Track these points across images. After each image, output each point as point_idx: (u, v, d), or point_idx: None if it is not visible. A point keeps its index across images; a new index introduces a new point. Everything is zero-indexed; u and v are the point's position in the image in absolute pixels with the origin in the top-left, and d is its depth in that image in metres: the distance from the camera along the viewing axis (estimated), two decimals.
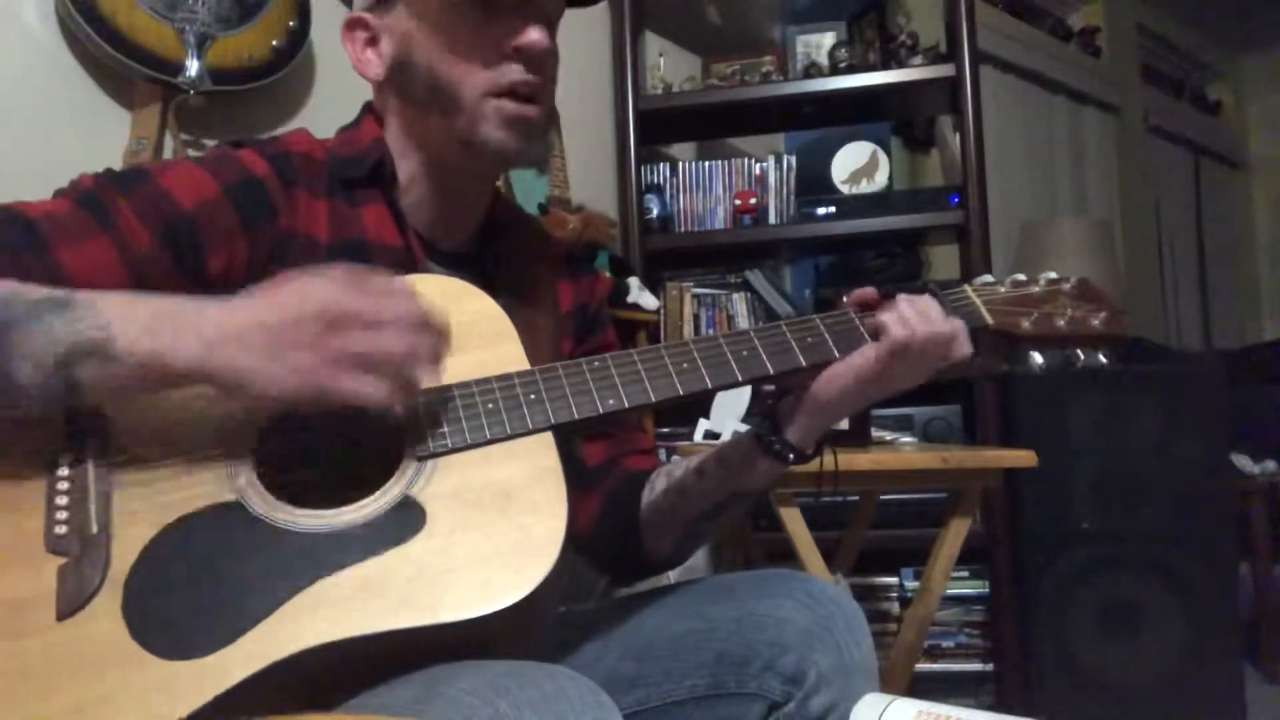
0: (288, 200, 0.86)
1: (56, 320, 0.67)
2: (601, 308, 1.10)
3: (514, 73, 0.89)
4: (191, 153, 1.84)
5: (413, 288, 0.73)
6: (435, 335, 0.73)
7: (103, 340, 0.67)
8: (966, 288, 0.95)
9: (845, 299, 0.90)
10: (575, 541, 1.00)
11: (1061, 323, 0.93)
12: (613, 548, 1.02)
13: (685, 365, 0.84)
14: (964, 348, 0.88)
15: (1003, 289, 0.95)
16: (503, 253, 0.99)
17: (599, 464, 1.03)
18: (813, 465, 0.94)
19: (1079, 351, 0.94)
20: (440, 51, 0.89)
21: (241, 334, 0.69)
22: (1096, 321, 0.93)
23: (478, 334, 0.83)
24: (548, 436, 0.79)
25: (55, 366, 0.66)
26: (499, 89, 0.88)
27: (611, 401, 0.81)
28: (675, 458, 1.10)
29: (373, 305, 0.70)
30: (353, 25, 0.93)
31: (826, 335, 0.88)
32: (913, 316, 0.86)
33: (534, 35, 0.88)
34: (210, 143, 1.88)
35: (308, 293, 0.70)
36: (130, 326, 0.68)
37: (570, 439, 0.95)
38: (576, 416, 0.80)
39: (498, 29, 0.88)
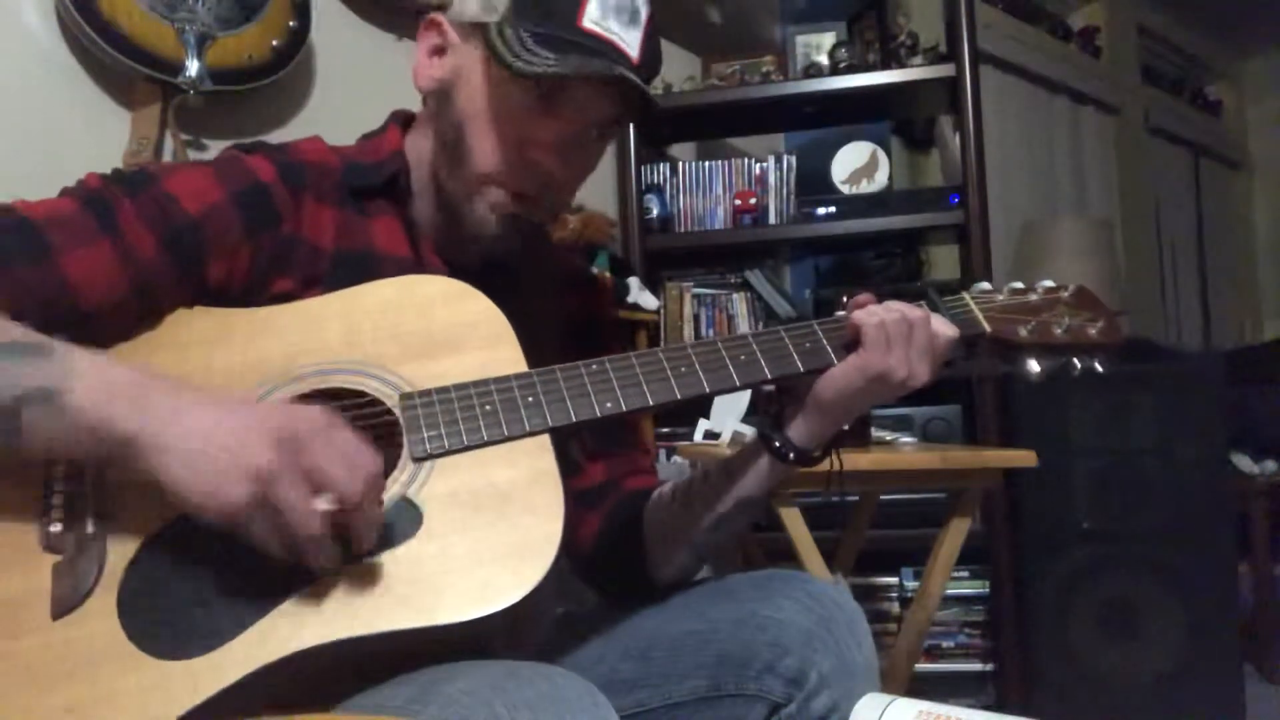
0: (294, 207, 0.86)
1: (23, 364, 0.66)
2: (608, 321, 1.10)
3: (520, 180, 0.88)
4: (192, 153, 1.84)
5: (371, 472, 0.68)
6: (356, 533, 0.69)
7: (60, 393, 0.66)
8: (964, 295, 0.95)
9: (845, 299, 0.90)
10: (576, 563, 1.00)
11: (1059, 331, 0.93)
12: (615, 567, 1.00)
13: (683, 369, 0.84)
14: (946, 327, 0.88)
15: (1000, 297, 0.95)
16: (514, 268, 0.99)
17: (600, 483, 1.02)
18: (820, 466, 0.94)
19: (1075, 360, 0.94)
20: (475, 115, 0.88)
21: (186, 435, 0.66)
22: (1094, 330, 0.93)
23: (477, 336, 0.83)
24: (545, 439, 0.79)
25: (5, 409, 0.65)
26: (502, 183, 0.88)
27: (609, 405, 0.81)
28: (676, 459, 1.10)
29: (286, 504, 0.65)
30: (430, 26, 0.92)
31: (825, 341, 0.88)
32: (878, 308, 0.87)
33: (554, 169, 0.88)
34: (210, 143, 1.89)
35: (261, 437, 0.66)
36: (92, 389, 0.66)
37: (567, 442, 0.95)
38: (574, 419, 0.80)
39: (536, 130, 0.87)
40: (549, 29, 0.84)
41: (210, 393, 0.71)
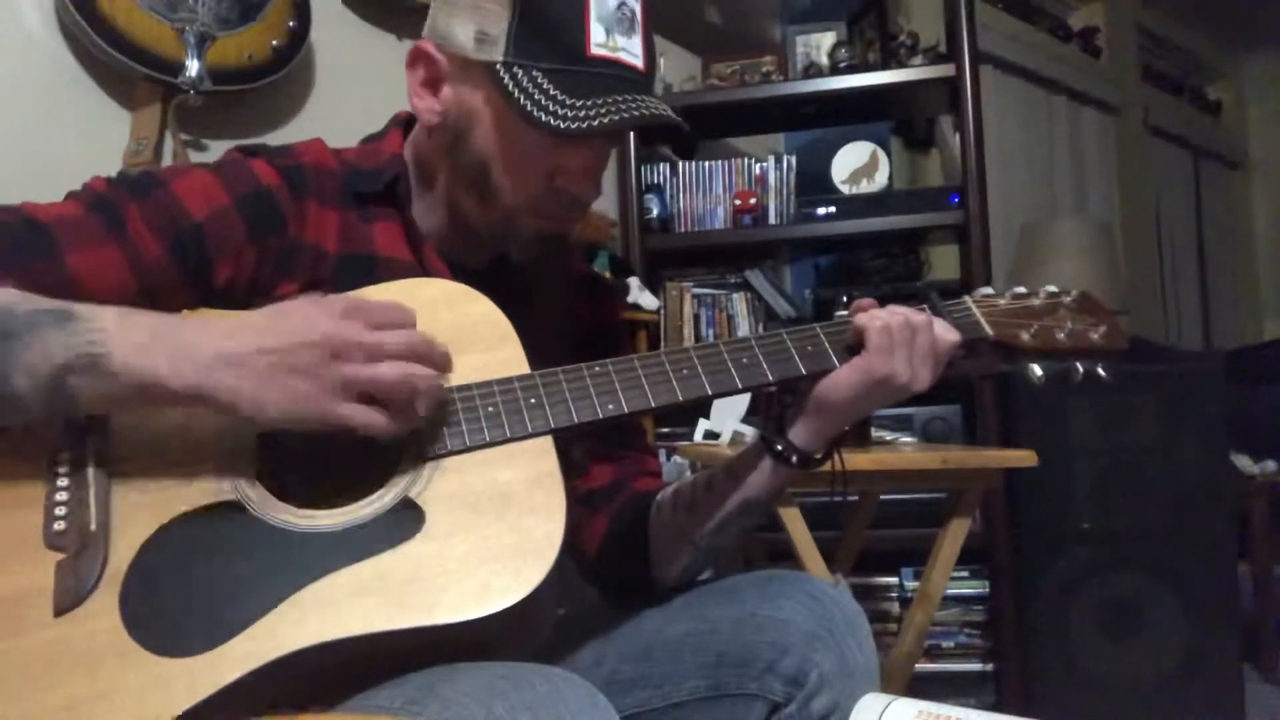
0: (297, 211, 0.86)
1: (55, 332, 0.67)
2: (620, 330, 1.10)
3: (558, 205, 0.89)
4: (192, 153, 1.84)
5: (413, 318, 0.74)
6: (435, 365, 0.75)
7: (99, 355, 0.67)
8: (967, 299, 0.95)
9: (845, 300, 0.90)
10: (581, 563, 1.00)
11: (1061, 335, 0.93)
12: (620, 569, 1.00)
13: (685, 371, 0.84)
14: (948, 331, 0.88)
15: (1003, 301, 0.95)
16: (521, 272, 0.99)
17: (605, 484, 1.02)
18: (822, 467, 0.94)
19: (1078, 365, 0.94)
20: (496, 153, 0.87)
21: (240, 359, 0.69)
22: (1096, 335, 0.94)
23: (479, 337, 0.83)
24: (547, 441, 0.79)
25: (50, 379, 0.67)
26: (539, 210, 0.89)
27: (611, 407, 0.81)
28: (676, 459, 1.10)
29: (372, 337, 0.71)
30: (417, 58, 0.90)
31: (827, 344, 0.88)
32: (881, 312, 0.87)
33: (588, 195, 0.89)
34: (210, 143, 1.89)
35: (310, 320, 0.71)
36: (127, 344, 0.68)
37: (571, 445, 0.95)
38: (576, 421, 0.80)
39: (560, 159, 0.87)
40: (560, 64, 0.83)
41: (232, 320, 0.73)
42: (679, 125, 0.86)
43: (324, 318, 0.71)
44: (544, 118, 0.81)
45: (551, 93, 0.82)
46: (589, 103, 0.82)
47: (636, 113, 0.82)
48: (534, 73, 0.83)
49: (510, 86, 0.83)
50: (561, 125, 0.81)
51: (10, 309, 0.68)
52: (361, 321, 0.72)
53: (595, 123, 0.81)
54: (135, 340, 0.68)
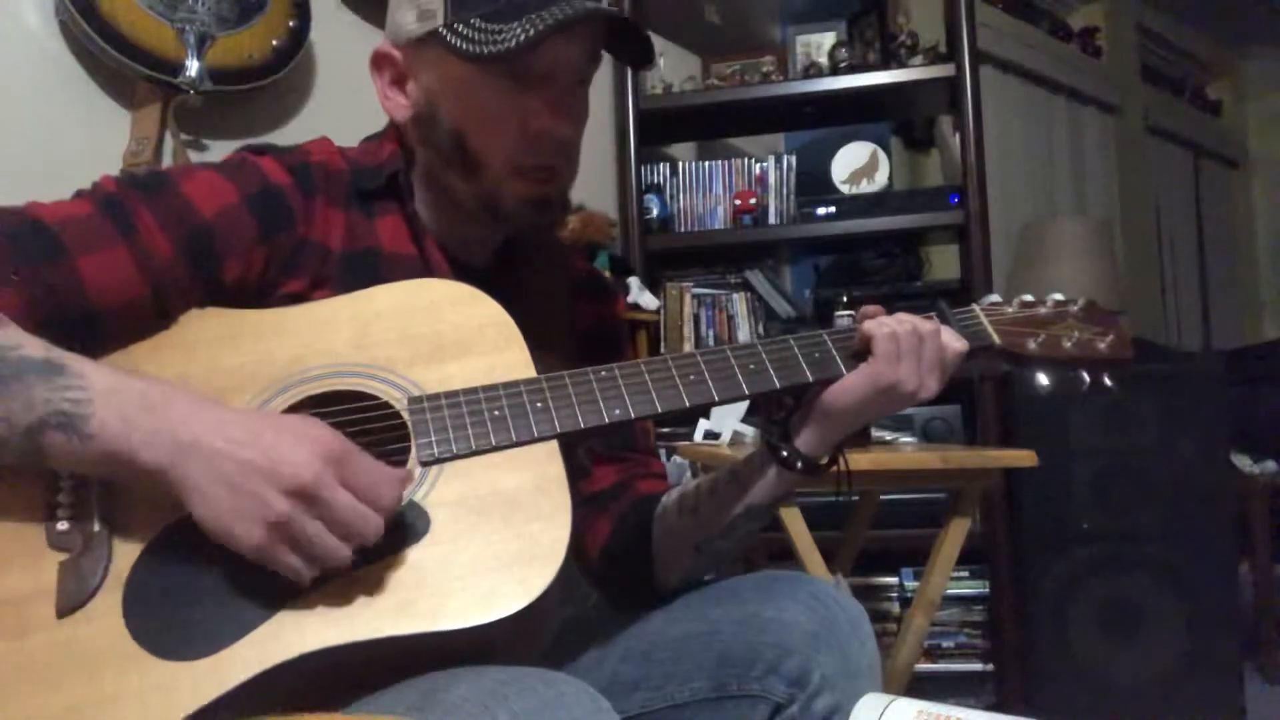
0: (306, 209, 0.87)
1: (40, 384, 0.66)
2: (621, 329, 1.10)
3: (539, 153, 0.88)
4: (192, 153, 1.84)
5: (393, 499, 0.70)
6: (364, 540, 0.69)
7: (78, 416, 0.66)
8: (974, 307, 0.95)
9: (845, 300, 0.90)
10: (583, 565, 1.00)
11: (1068, 344, 0.93)
12: (622, 573, 1.00)
13: (692, 377, 0.84)
14: (956, 340, 0.88)
15: (1010, 309, 0.95)
16: (523, 269, 0.99)
17: (610, 486, 1.02)
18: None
19: (1084, 374, 0.94)
20: (465, 118, 0.87)
21: (209, 454, 0.67)
22: (1103, 345, 0.94)
23: (485, 339, 0.83)
24: (553, 445, 0.78)
25: (27, 430, 0.66)
26: (523, 168, 0.88)
27: (618, 412, 0.81)
28: (677, 459, 1.10)
29: (333, 499, 0.67)
30: (379, 61, 0.92)
31: (834, 351, 0.88)
32: (889, 319, 0.87)
33: (562, 129, 0.87)
34: (210, 142, 1.89)
35: (293, 450, 0.67)
36: (110, 409, 0.67)
37: (575, 447, 0.94)
38: (582, 425, 0.80)
39: (526, 102, 0.86)
40: (493, 4, 0.84)
41: (229, 412, 0.71)
42: (613, 14, 0.86)
43: (307, 456, 0.67)
44: (482, 50, 0.83)
45: (487, 29, 0.84)
46: (519, 22, 0.83)
47: (570, 10, 0.82)
48: (471, 20, 0.85)
49: (453, 42, 0.85)
50: (499, 50, 0.82)
51: (1, 354, 0.67)
52: (338, 476, 0.68)
53: (531, 32, 0.81)
54: (119, 407, 0.67)
